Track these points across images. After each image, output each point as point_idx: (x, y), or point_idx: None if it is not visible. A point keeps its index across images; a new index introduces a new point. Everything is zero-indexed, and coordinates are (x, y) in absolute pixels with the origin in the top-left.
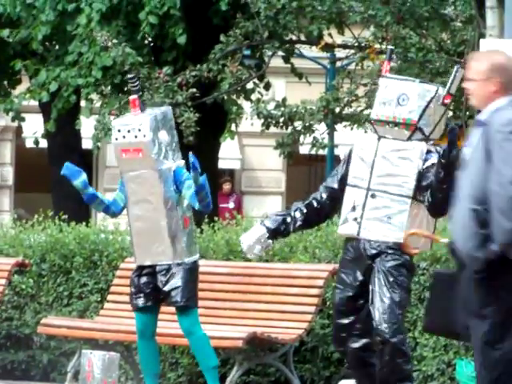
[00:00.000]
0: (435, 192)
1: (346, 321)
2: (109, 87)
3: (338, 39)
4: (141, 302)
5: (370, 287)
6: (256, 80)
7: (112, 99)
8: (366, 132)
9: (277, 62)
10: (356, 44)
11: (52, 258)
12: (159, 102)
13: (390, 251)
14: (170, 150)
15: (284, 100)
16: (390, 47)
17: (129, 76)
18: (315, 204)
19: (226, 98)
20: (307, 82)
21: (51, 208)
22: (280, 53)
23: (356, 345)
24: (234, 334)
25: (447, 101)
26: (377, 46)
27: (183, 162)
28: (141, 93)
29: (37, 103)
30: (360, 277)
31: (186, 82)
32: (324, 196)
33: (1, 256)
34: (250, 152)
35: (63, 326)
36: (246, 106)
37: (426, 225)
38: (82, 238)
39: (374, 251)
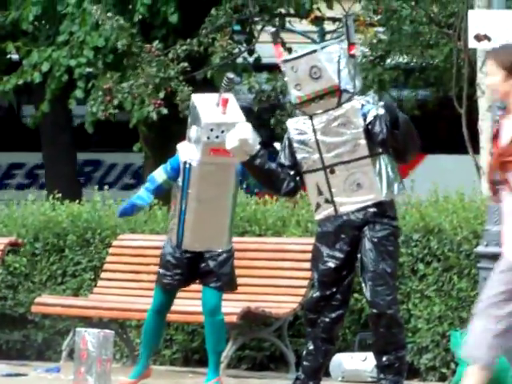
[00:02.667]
0: (398, 149)
1: (327, 292)
2: (100, 67)
3: (328, 13)
4: (173, 282)
5: (359, 257)
6: (246, 54)
7: (104, 78)
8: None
9: (267, 36)
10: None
11: (45, 236)
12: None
13: (377, 219)
14: None
15: (275, 74)
16: (271, 29)
17: (228, 75)
18: (280, 170)
19: (216, 72)
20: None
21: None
22: (269, 27)
23: (332, 314)
24: (228, 310)
25: (353, 51)
26: (367, 18)
27: None
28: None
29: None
30: (346, 247)
31: (176, 57)
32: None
33: None
34: None
35: (57, 305)
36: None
37: (391, 173)
38: (75, 216)
39: (359, 221)
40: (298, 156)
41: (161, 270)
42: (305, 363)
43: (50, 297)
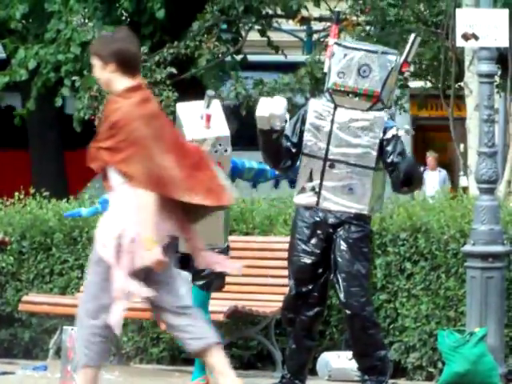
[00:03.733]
0: (397, 182)
1: (304, 289)
2: (86, 65)
3: (314, 12)
4: None
5: (333, 257)
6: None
7: (90, 78)
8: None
9: (253, 35)
10: (332, 16)
11: (32, 235)
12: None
13: (354, 221)
14: None
15: (261, 80)
16: (336, 10)
17: (208, 94)
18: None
19: (203, 72)
20: (283, 54)
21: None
22: (256, 26)
23: (310, 313)
24: (215, 308)
25: (405, 69)
26: (354, 18)
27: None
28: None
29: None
30: (321, 244)
31: (163, 60)
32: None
33: None
34: None
35: (44, 303)
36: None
37: (383, 187)
38: (62, 214)
39: (336, 220)
40: (306, 137)
41: None
42: (289, 362)
43: (37, 295)
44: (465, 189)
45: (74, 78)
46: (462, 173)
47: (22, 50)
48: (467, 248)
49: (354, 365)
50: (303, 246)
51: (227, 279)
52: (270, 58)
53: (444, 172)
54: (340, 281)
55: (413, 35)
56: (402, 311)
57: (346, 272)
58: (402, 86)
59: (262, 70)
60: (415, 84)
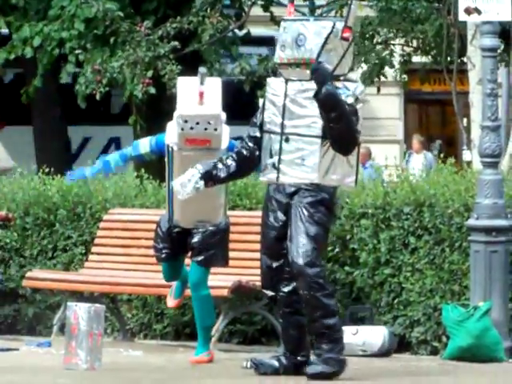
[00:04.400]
0: (328, 131)
1: (275, 264)
2: (90, 40)
3: None
4: (160, 255)
5: (289, 223)
6: (236, 30)
7: (94, 53)
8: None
9: (256, 10)
10: None
11: (36, 211)
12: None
13: (306, 190)
14: None
15: (267, 56)
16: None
17: (200, 71)
18: (245, 152)
19: (204, 47)
20: None
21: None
22: (259, 1)
23: (286, 289)
24: (219, 283)
25: (346, 34)
26: None
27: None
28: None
29: None
30: (282, 217)
31: (166, 34)
32: (251, 145)
33: None
34: None
35: (48, 279)
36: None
37: (340, 163)
38: (66, 190)
39: (292, 189)
40: (265, 114)
41: (154, 243)
42: (284, 340)
43: (41, 271)
44: (468, 163)
45: (77, 51)
46: (465, 147)
47: (27, 27)
48: (471, 222)
49: (358, 339)
50: (268, 221)
51: (231, 254)
52: (274, 34)
53: (430, 156)
54: (290, 243)
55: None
56: (407, 285)
57: (293, 234)
58: (404, 62)
59: (267, 45)
60: (417, 59)
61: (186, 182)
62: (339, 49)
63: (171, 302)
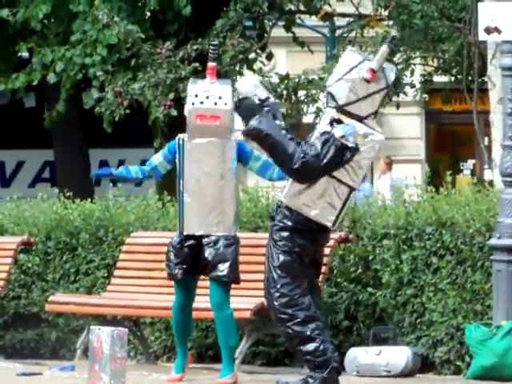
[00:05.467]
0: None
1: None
2: (111, 65)
3: (338, 7)
4: (181, 273)
5: None
6: (258, 50)
7: (117, 76)
8: None
9: (278, 31)
10: (356, 12)
11: (58, 235)
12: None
13: (277, 216)
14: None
15: (287, 74)
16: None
17: (212, 43)
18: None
19: (227, 69)
20: (309, 50)
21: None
22: (280, 22)
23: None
24: (242, 305)
25: (367, 76)
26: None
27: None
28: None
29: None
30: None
31: (187, 56)
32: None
33: (6, 235)
34: None
35: (71, 303)
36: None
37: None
38: (87, 214)
39: (272, 214)
40: None
41: (166, 262)
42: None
43: (64, 295)
44: (490, 182)
45: (98, 73)
46: (486, 166)
47: (49, 52)
48: (493, 241)
49: (381, 360)
50: None
51: (253, 277)
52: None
53: (394, 177)
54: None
55: (384, 44)
56: (429, 305)
57: (265, 265)
58: (425, 81)
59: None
60: (438, 79)
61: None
62: (359, 88)
63: (173, 377)
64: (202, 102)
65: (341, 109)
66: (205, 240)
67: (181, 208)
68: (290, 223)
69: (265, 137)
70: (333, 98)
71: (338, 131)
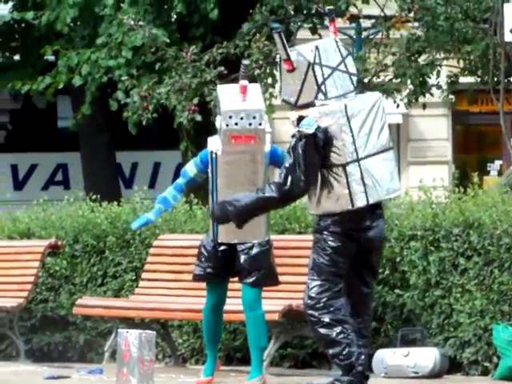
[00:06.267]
0: None
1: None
2: (136, 68)
3: (363, 9)
4: (214, 275)
5: None
6: None
7: (142, 80)
8: (394, 102)
9: (304, 33)
10: (382, 14)
11: (85, 238)
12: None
13: (314, 221)
14: None
15: None
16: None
17: (243, 62)
18: None
19: (257, 72)
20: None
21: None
22: (306, 25)
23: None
24: (270, 308)
25: (286, 66)
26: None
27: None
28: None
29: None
30: None
31: (213, 60)
32: None
33: (33, 238)
34: (279, 125)
35: (98, 306)
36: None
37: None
38: (114, 217)
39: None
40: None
41: (196, 261)
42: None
43: (91, 298)
44: None
45: (124, 77)
46: None
47: (74, 55)
48: None
49: (409, 361)
50: None
51: (281, 279)
52: None
53: None
54: None
55: (273, 33)
56: (457, 307)
57: None
58: (451, 83)
59: None
60: (464, 80)
61: None
62: (291, 80)
63: (202, 380)
64: (236, 124)
65: (296, 106)
66: (239, 246)
67: None
68: (322, 225)
69: (250, 211)
70: (288, 102)
71: (298, 128)
